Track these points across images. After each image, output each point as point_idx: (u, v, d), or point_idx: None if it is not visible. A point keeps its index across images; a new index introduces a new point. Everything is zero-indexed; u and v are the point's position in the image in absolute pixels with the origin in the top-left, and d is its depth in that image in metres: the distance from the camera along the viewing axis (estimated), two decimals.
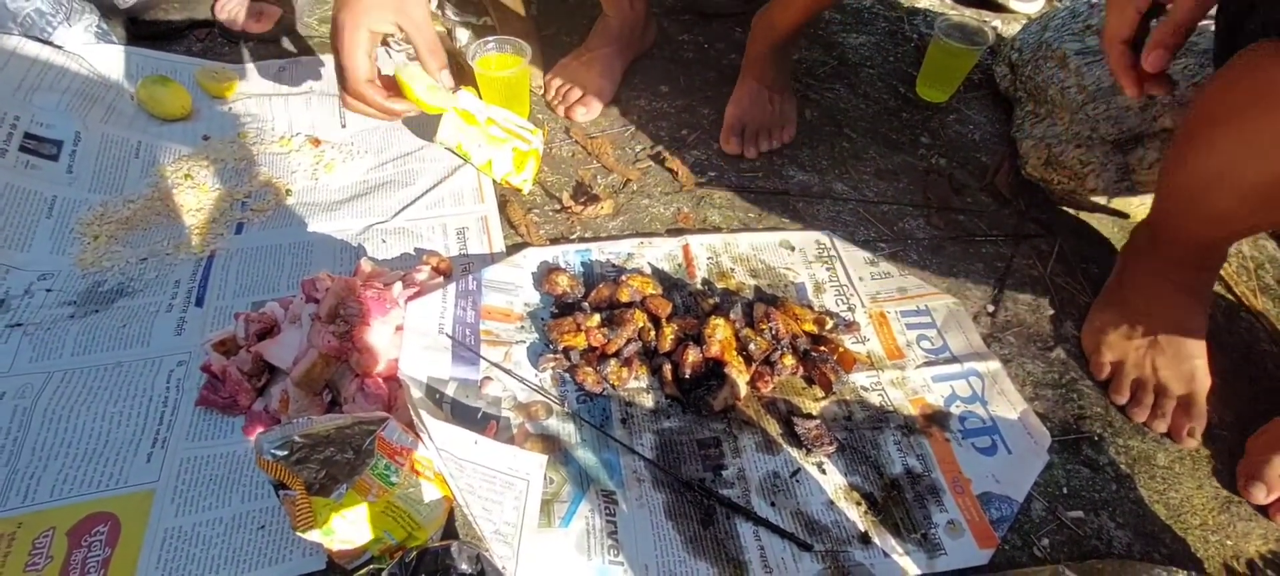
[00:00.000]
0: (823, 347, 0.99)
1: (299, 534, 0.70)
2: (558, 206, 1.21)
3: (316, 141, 1.30)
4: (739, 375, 0.95)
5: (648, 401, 0.95)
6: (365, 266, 1.01)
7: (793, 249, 1.16)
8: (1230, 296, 1.17)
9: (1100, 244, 1.20)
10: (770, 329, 0.98)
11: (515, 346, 0.99)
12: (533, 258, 1.11)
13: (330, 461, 0.72)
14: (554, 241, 1.16)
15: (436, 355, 0.93)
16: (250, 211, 1.19)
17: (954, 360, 1.02)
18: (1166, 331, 1.00)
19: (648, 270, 1.11)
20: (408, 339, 0.92)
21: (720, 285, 1.10)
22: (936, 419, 0.96)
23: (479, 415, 0.90)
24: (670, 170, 1.27)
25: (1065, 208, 1.25)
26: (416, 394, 0.85)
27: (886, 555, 0.83)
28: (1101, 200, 1.17)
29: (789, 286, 1.11)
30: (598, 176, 1.27)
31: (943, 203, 1.24)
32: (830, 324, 1.02)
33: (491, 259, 1.12)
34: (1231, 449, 0.98)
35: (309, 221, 1.17)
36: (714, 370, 0.97)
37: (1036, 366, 1.05)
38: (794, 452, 0.91)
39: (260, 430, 0.86)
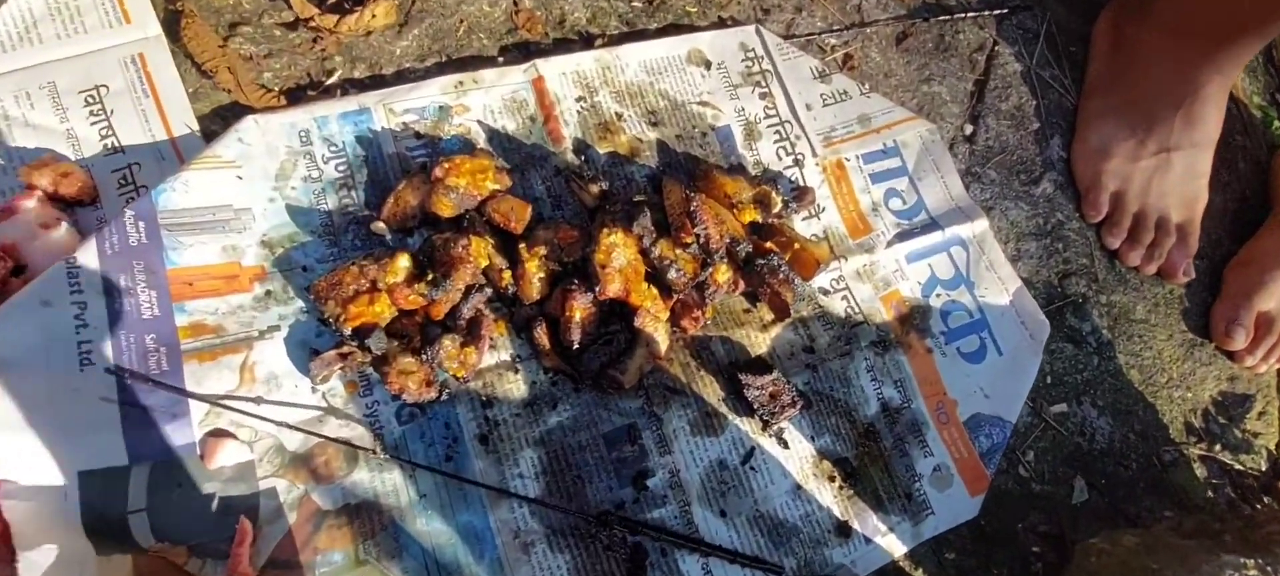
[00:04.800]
0: (771, 245, 0.64)
1: None
2: (290, 17, 0.64)
3: None
4: (656, 322, 0.59)
5: (517, 387, 0.58)
6: None
7: (708, 65, 0.71)
8: None
9: (1094, 17, 0.87)
10: (700, 234, 0.60)
11: (259, 342, 0.53)
12: (255, 135, 0.58)
13: None
14: (292, 94, 0.62)
15: (83, 425, 0.46)
16: None
17: (933, 226, 0.72)
18: (1184, 141, 0.76)
19: (478, 133, 0.64)
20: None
21: (603, 148, 0.66)
22: (914, 320, 0.69)
23: (212, 508, 0.49)
24: None
25: None
26: (44, 530, 0.41)
27: (868, 541, 0.61)
28: None
29: (708, 136, 0.69)
30: None
31: None
32: (778, 204, 0.65)
33: (172, 154, 0.57)
34: (1201, 280, 0.83)
35: None
36: (615, 312, 0.60)
37: (1020, 211, 0.78)
38: (743, 424, 0.61)
39: None
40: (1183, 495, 0.76)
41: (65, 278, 0.48)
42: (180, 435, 0.48)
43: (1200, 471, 0.79)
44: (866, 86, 0.75)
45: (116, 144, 0.57)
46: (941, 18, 0.81)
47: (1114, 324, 0.78)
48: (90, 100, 0.57)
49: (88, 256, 0.49)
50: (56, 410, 0.45)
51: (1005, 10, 0.83)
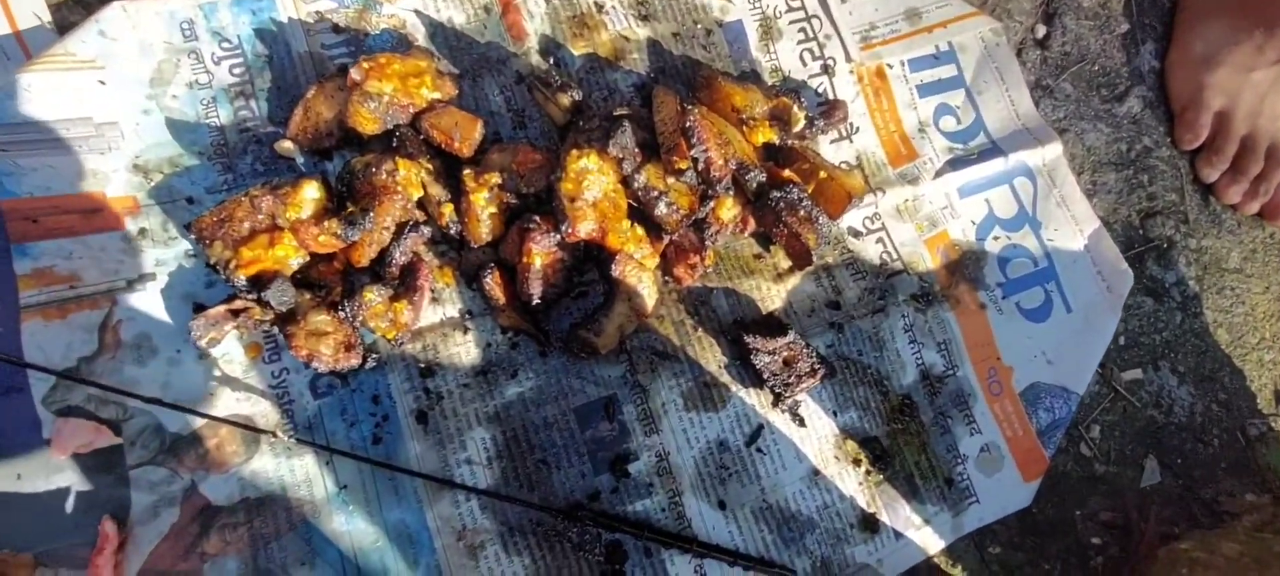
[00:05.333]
0: (790, 174, 0.50)
1: None
2: None
3: None
4: (641, 270, 0.46)
5: (465, 351, 0.46)
6: None
7: None
8: None
9: None
10: (698, 157, 0.46)
11: (128, 294, 0.41)
12: (123, 26, 0.44)
13: None
14: None
15: None
16: None
17: (993, 151, 0.57)
18: None
19: (416, 27, 0.49)
20: None
21: (578, 49, 0.52)
22: (965, 268, 0.55)
23: (66, 507, 0.38)
24: None
25: None
26: None
27: (899, 536, 0.50)
28: None
29: (714, 34, 0.54)
30: None
31: None
32: (800, 121, 0.51)
33: (18, 51, 0.44)
34: None
35: None
36: (589, 257, 0.47)
37: (1099, 134, 0.63)
38: (749, 396, 0.49)
39: None
40: (1268, 475, 0.64)
41: None
42: (19, 415, 0.37)
43: None
44: None
45: None
46: None
47: (1203, 274, 0.64)
48: None
49: None
50: None
51: None
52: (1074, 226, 0.57)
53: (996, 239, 0.56)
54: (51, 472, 0.37)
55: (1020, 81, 0.59)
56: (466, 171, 0.44)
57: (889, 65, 0.57)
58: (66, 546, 0.36)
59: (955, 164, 0.56)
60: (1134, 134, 0.64)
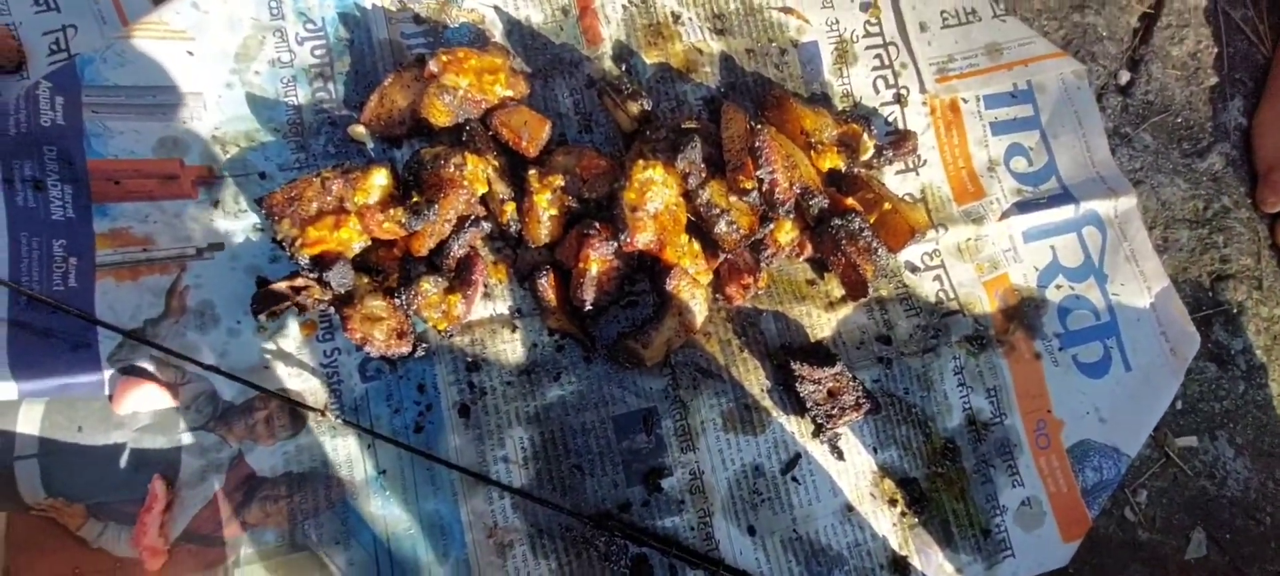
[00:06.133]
0: (853, 202, 0.48)
1: None
2: None
3: None
4: (694, 286, 0.45)
5: (512, 349, 0.45)
6: None
7: None
8: None
9: None
10: (764, 178, 0.44)
11: (197, 262, 0.41)
12: (215, 0, 0.45)
13: None
14: None
15: None
16: None
17: (1063, 197, 0.54)
18: None
19: (494, 23, 0.49)
20: None
21: (651, 58, 0.50)
22: (1024, 315, 0.53)
23: (120, 462, 0.38)
24: None
25: None
26: None
27: None
28: None
29: (788, 53, 0.53)
30: None
31: None
32: (869, 149, 0.49)
33: (115, 17, 0.45)
34: None
35: None
36: (644, 268, 0.46)
37: (1176, 189, 0.59)
38: (790, 423, 0.48)
39: None
40: None
41: None
42: (85, 368, 0.37)
43: None
44: (1002, 5, 0.56)
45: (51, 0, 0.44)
46: None
47: (1272, 344, 0.60)
48: None
49: None
50: None
51: None
52: (1141, 282, 0.54)
53: (1059, 287, 0.54)
54: (110, 428, 0.37)
55: (1099, 127, 0.56)
56: (531, 171, 0.43)
57: (964, 99, 0.54)
58: (117, 501, 0.37)
59: (1023, 206, 0.54)
60: (1213, 192, 0.60)
